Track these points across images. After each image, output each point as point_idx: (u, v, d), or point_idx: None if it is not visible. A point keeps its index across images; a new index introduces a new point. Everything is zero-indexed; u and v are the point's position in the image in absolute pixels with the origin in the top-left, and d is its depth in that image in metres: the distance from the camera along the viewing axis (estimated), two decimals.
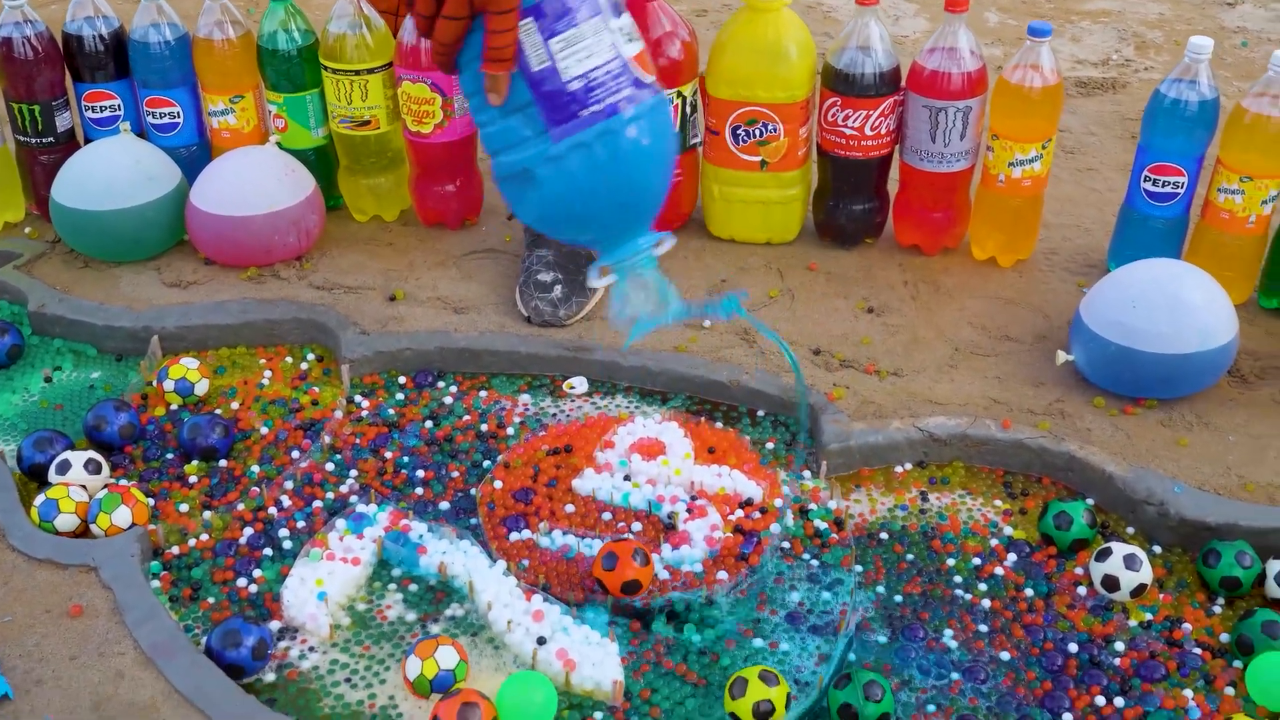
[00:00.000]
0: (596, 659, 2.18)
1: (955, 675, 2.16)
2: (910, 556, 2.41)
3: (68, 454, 2.50)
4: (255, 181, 3.03)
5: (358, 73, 3.07)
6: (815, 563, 2.39)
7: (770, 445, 2.67)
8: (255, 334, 2.93)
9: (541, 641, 2.20)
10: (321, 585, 2.31)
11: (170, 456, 2.64)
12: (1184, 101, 2.81)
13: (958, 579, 2.36)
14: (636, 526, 2.44)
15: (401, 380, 2.84)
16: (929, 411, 2.67)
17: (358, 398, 2.80)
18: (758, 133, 3.06)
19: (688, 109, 3.09)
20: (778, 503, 2.48)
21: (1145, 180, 2.91)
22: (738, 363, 2.82)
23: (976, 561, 2.40)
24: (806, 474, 2.60)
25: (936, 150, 3.00)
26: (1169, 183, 2.89)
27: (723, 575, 2.33)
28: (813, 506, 2.51)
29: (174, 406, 2.74)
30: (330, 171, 3.29)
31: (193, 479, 2.58)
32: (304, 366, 2.88)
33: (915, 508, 2.53)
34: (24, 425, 2.72)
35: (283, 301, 2.98)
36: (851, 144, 3.04)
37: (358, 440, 2.69)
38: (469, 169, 3.24)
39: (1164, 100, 2.83)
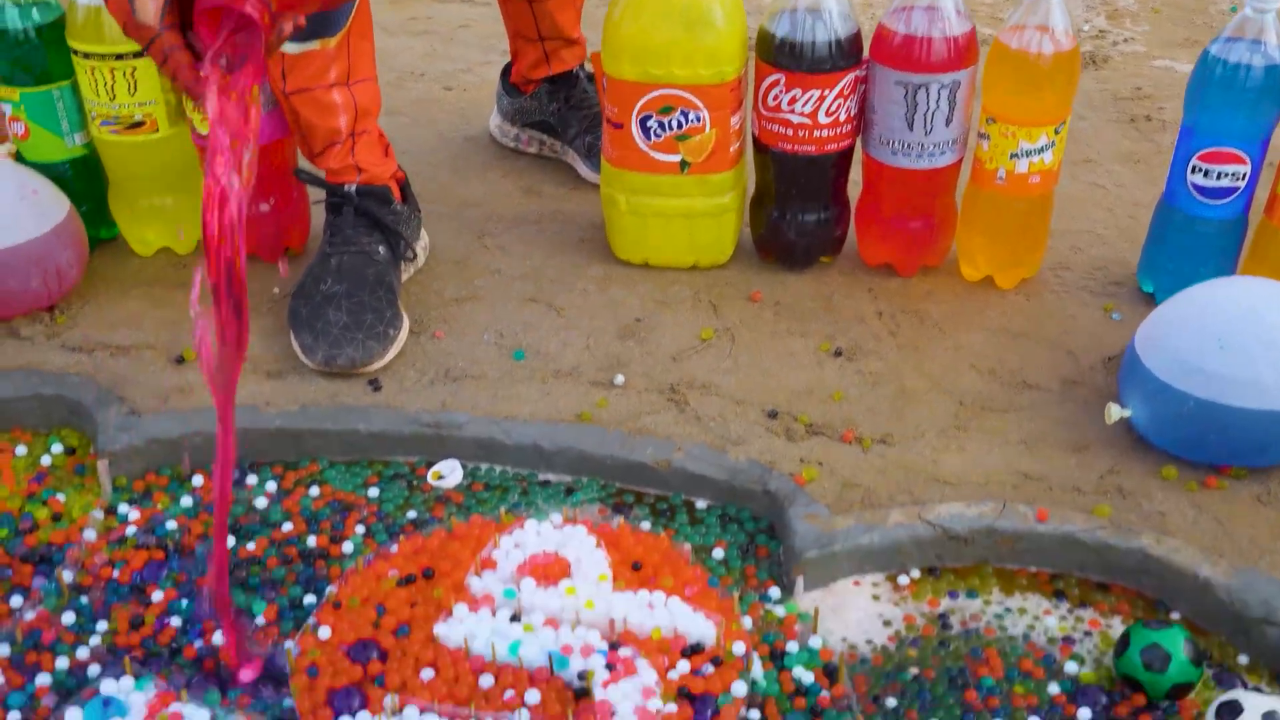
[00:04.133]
0: None
1: None
2: None
3: None
4: None
5: (120, 56, 2.23)
6: None
7: (719, 552, 1.88)
8: None
9: None
10: None
11: None
12: (1245, 67, 2.10)
13: None
14: (533, 697, 1.62)
15: (197, 480, 1.99)
16: (937, 495, 1.90)
17: (123, 507, 1.93)
18: (675, 124, 2.29)
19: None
20: (738, 647, 1.68)
21: (1194, 171, 2.19)
22: (665, 434, 2.02)
23: None
24: (774, 592, 1.81)
25: (915, 140, 2.26)
26: (1226, 174, 2.17)
27: None
28: (790, 647, 1.71)
29: None
30: (98, 191, 2.42)
31: None
32: (45, 462, 2.01)
33: (932, 639, 1.75)
34: None
35: (18, 371, 2.11)
36: (801, 136, 2.28)
37: (115, 574, 1.82)
38: (286, 182, 2.40)
39: (1217, 66, 2.12)
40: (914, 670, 1.71)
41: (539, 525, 1.85)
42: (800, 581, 1.80)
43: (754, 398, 2.11)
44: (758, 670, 1.68)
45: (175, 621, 1.74)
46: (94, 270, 2.38)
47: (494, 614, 1.72)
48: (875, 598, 1.82)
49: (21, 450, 2.03)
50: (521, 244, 2.53)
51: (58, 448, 2.04)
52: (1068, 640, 1.74)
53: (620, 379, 2.14)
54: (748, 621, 1.75)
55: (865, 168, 2.36)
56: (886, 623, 1.78)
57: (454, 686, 1.64)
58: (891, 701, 1.66)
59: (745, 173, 2.43)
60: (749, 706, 1.64)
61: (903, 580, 1.84)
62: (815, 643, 1.72)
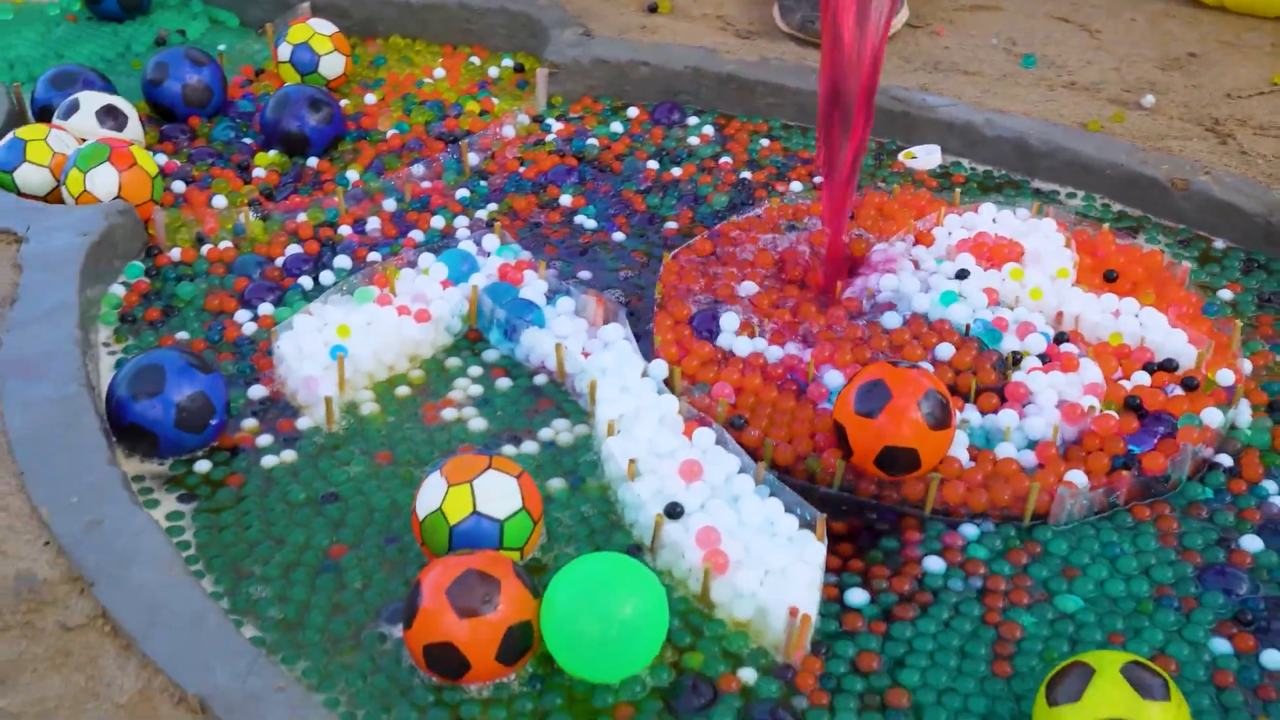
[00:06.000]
0: (778, 566, 1.05)
1: None
2: None
3: (83, 94, 1.63)
4: None
5: None
6: None
7: (1228, 294, 1.42)
8: (446, 24, 1.98)
9: (675, 513, 1.10)
10: (345, 336, 1.30)
11: (248, 142, 1.72)
12: None
13: None
14: (945, 351, 1.28)
15: (632, 112, 1.79)
16: None
17: (550, 120, 1.77)
18: None
19: None
20: (1225, 377, 1.24)
21: None
22: (1194, 159, 1.57)
23: None
24: None
25: None
26: None
27: (1077, 478, 1.14)
28: None
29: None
30: None
31: (259, 171, 1.65)
32: (493, 74, 1.89)
33: None
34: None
35: None
36: None
37: (522, 170, 1.66)
38: None
39: None
40: None
41: (998, 211, 1.48)
42: None
43: None
44: (1244, 414, 1.23)
45: (576, 225, 1.57)
46: None
47: (917, 273, 1.39)
48: None
49: (474, 60, 1.92)
50: None
51: (507, 62, 1.91)
52: None
53: (1150, 99, 1.70)
54: (1247, 365, 1.29)
55: None
56: None
57: (848, 328, 1.33)
58: None
59: None
60: (1220, 450, 1.20)
61: None
62: None
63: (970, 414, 1.21)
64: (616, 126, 1.76)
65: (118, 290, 1.43)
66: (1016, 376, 1.24)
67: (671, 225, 1.56)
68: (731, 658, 1.03)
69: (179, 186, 1.60)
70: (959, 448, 1.18)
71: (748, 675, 1.02)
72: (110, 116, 1.61)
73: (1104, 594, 1.09)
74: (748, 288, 1.39)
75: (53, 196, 1.52)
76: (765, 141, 1.72)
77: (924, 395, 1.13)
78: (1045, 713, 0.93)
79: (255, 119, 1.75)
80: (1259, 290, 1.43)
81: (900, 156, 1.69)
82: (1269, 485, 1.17)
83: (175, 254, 1.49)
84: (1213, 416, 1.19)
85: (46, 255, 1.37)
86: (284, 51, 1.81)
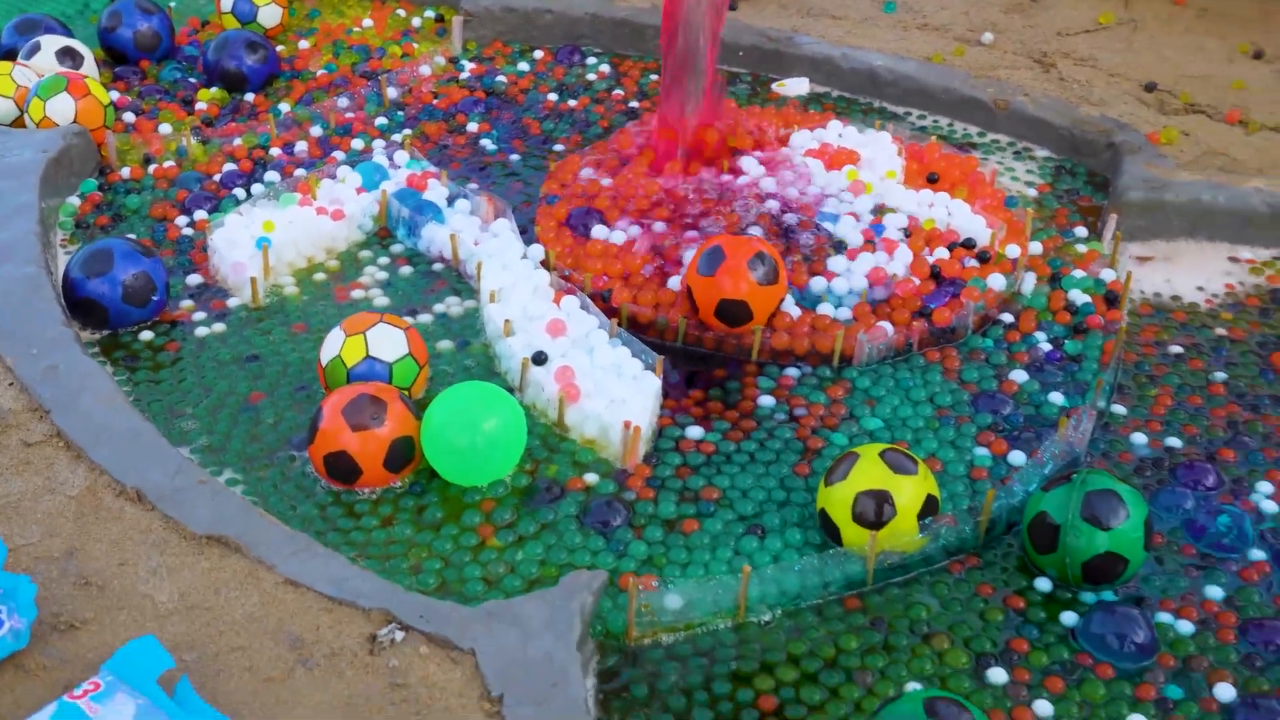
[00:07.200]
0: (619, 395, 1.28)
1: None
2: (1223, 375, 1.36)
3: (44, 37, 1.84)
4: None
5: None
6: (1048, 347, 1.38)
7: (1035, 193, 1.66)
8: None
9: (540, 360, 1.32)
10: (270, 230, 1.52)
11: (193, 81, 1.93)
12: None
13: None
14: (756, 229, 1.50)
15: (538, 54, 2.01)
16: None
17: (464, 61, 1.99)
18: None
19: None
20: (1012, 251, 1.47)
21: None
22: (1018, 85, 1.80)
23: None
24: (1081, 231, 1.57)
25: None
26: None
27: (888, 327, 1.37)
28: (1074, 273, 1.48)
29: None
30: None
31: (201, 105, 1.86)
32: (415, 24, 2.11)
33: (1254, 308, 1.47)
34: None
35: None
36: None
37: (435, 102, 1.88)
38: None
39: None
40: (1220, 331, 1.42)
41: (843, 127, 1.71)
42: (1113, 221, 1.54)
43: (1134, 74, 1.83)
44: (1029, 283, 1.46)
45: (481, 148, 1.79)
46: None
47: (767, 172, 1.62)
48: (1201, 266, 1.53)
49: (400, 13, 2.14)
50: None
51: (429, 13, 2.13)
52: None
53: (989, 37, 1.94)
54: (1037, 246, 1.53)
55: None
56: (1200, 288, 1.50)
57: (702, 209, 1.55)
58: (1176, 349, 1.40)
59: None
60: (1004, 309, 1.43)
61: (1245, 254, 1.54)
62: (1106, 275, 1.48)
63: (811, 282, 1.45)
64: (523, 66, 1.98)
65: (73, 201, 1.64)
66: (848, 247, 1.47)
67: (559, 147, 1.78)
68: (580, 466, 1.26)
69: (130, 117, 1.82)
70: (790, 305, 1.41)
71: (591, 478, 1.24)
72: (68, 57, 1.82)
73: (897, 416, 1.32)
74: (618, 180, 1.62)
75: (16, 124, 1.73)
76: (654, 77, 1.95)
77: (755, 256, 1.36)
78: (823, 492, 1.16)
79: (199, 63, 1.96)
80: (1064, 191, 1.66)
81: (774, 86, 1.91)
82: (1039, 335, 1.40)
83: (125, 172, 1.70)
84: (996, 281, 1.42)
85: (11, 167, 1.58)
86: (226, 3, 2.02)
